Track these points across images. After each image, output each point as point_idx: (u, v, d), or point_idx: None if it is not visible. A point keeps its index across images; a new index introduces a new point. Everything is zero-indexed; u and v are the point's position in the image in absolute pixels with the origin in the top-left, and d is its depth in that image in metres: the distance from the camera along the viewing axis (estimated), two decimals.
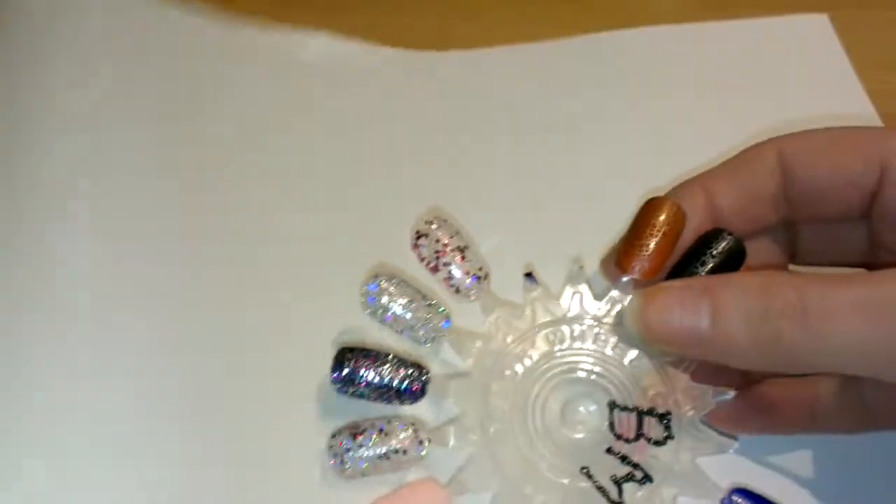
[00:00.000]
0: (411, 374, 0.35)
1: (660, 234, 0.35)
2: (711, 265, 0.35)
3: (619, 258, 0.36)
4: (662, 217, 0.35)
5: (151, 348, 0.38)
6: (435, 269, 0.36)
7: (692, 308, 0.29)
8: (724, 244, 0.35)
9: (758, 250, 0.37)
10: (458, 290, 0.36)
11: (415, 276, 0.37)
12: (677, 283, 0.31)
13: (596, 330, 0.37)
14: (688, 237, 0.35)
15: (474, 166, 0.42)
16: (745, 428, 0.36)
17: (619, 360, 0.37)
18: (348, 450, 0.34)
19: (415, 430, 0.35)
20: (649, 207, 0.36)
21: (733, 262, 0.35)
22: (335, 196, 0.41)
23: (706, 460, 0.36)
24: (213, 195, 0.42)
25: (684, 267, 0.36)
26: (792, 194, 0.35)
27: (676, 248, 0.35)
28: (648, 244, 0.35)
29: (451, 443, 0.35)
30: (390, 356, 0.35)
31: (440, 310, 0.36)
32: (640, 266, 0.35)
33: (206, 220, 0.41)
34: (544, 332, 0.37)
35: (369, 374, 0.35)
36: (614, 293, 0.37)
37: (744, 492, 0.35)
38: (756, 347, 0.28)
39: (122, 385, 0.37)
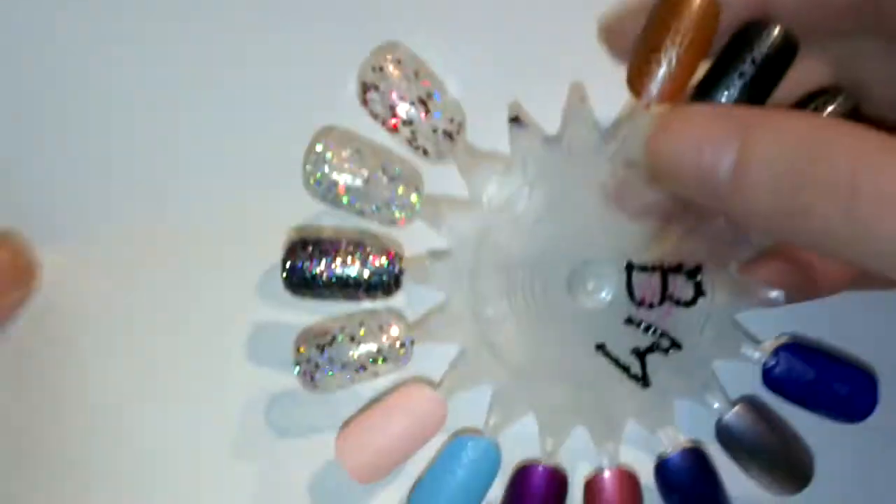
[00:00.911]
0: (381, 262, 0.29)
1: (685, 42, 0.27)
2: (752, 73, 0.27)
3: (632, 76, 0.28)
4: (688, 14, 0.27)
5: None
6: (394, 128, 0.28)
7: (716, 147, 0.23)
8: (769, 42, 0.27)
9: (808, 70, 0.28)
10: (425, 152, 0.28)
11: (371, 138, 0.29)
12: (708, 109, 0.25)
13: (606, 175, 0.29)
14: (725, 27, 0.27)
15: None
16: (784, 287, 0.30)
17: (636, 209, 0.30)
18: (317, 364, 0.29)
19: (394, 330, 0.29)
20: (670, 2, 0.27)
21: (779, 64, 0.27)
22: (259, 50, 0.31)
23: (746, 316, 0.30)
24: None
25: (716, 75, 0.28)
26: (886, 7, 0.26)
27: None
28: (669, 57, 0.27)
29: (439, 336, 0.30)
30: (353, 244, 0.29)
31: (407, 177, 0.29)
32: (657, 88, 0.27)
33: None
34: (541, 187, 0.29)
35: (329, 269, 0.28)
36: (624, 128, 0.29)
37: (795, 347, 0.30)
38: (780, 216, 0.22)
39: None
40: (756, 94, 0.27)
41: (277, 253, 0.29)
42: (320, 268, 0.28)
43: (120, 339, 0.32)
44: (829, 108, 0.28)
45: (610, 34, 0.29)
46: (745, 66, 0.27)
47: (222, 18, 0.31)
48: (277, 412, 0.32)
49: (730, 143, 0.23)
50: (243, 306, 0.32)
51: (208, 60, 0.31)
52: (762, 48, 0.27)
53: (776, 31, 0.27)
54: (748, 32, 0.27)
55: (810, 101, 0.28)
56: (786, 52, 0.27)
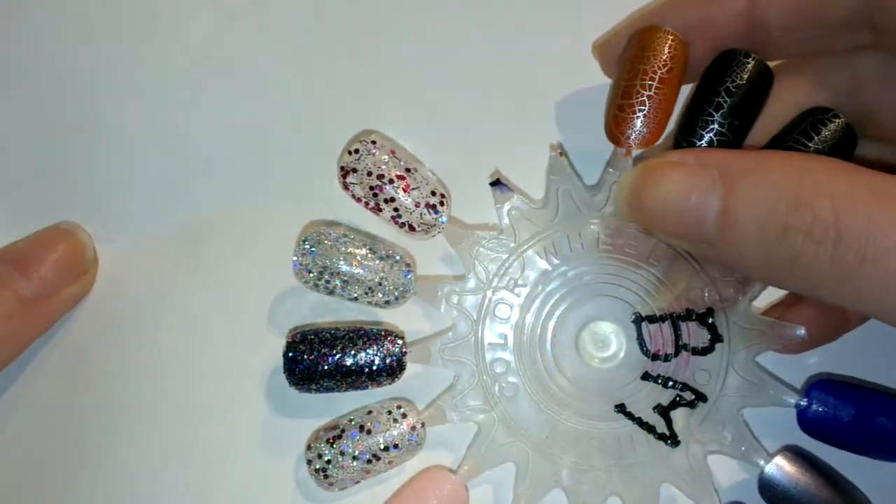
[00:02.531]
0: (382, 348, 0.28)
1: (655, 84, 0.27)
2: (728, 105, 0.27)
3: (608, 125, 0.28)
4: (654, 55, 0.27)
5: None
6: (377, 209, 0.28)
7: (699, 195, 0.23)
8: (746, 72, 0.27)
9: (806, 84, 0.28)
10: (411, 227, 0.28)
11: (358, 224, 0.29)
12: (688, 155, 0.24)
13: (597, 230, 0.29)
14: (709, 51, 0.27)
15: (395, 66, 0.32)
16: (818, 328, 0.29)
17: (635, 259, 0.29)
18: (329, 461, 0.27)
19: (403, 416, 0.28)
20: (639, 44, 0.28)
21: (756, 93, 0.27)
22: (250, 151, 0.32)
23: (770, 358, 0.29)
24: None
25: (696, 109, 0.27)
26: (882, 23, 0.26)
27: (691, 70, 0.28)
28: (640, 101, 0.27)
29: (452, 418, 0.29)
30: (351, 333, 0.28)
31: (396, 258, 0.28)
32: (635, 134, 0.27)
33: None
34: (533, 248, 0.29)
35: (331, 362, 0.28)
36: (611, 177, 0.28)
37: (827, 384, 0.28)
38: (767, 265, 0.22)
39: None
40: (739, 124, 0.27)
41: None
42: (322, 359, 0.28)
43: (172, 339, 0.31)
44: (822, 129, 0.27)
45: (601, 50, 0.30)
46: (720, 98, 0.27)
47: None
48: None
49: (714, 191, 0.23)
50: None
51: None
52: (740, 76, 0.27)
53: (750, 60, 0.27)
54: (725, 59, 0.27)
55: (803, 122, 0.27)
56: (761, 79, 0.27)
